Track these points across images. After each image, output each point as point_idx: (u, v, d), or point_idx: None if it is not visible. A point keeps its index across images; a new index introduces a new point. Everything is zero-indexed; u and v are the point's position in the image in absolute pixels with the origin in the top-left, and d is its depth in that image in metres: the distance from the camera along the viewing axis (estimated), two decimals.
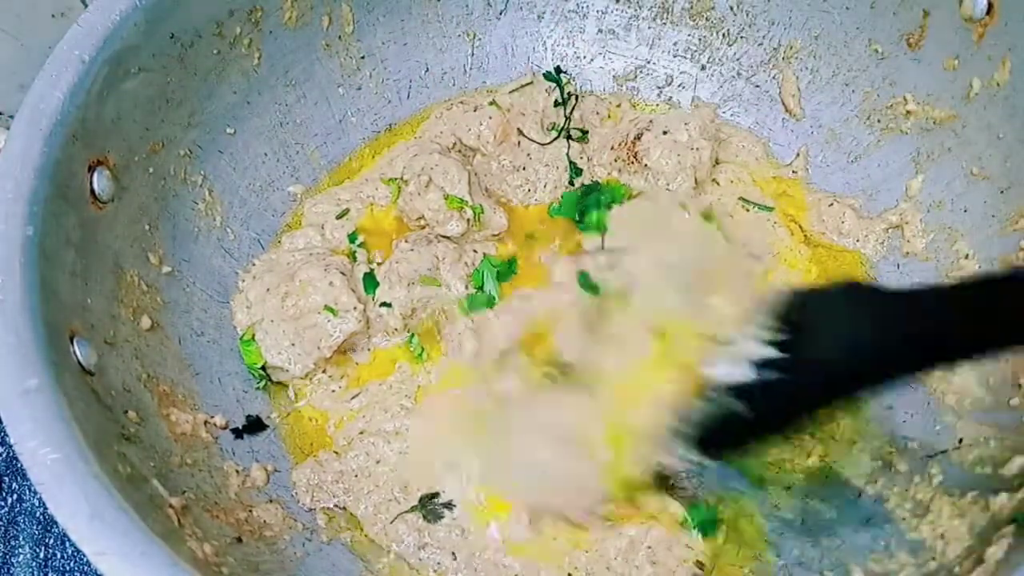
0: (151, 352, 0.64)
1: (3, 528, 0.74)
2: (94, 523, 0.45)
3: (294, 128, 0.81)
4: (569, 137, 0.84)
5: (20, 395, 0.48)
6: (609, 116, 0.88)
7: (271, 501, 0.66)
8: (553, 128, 0.85)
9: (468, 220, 0.77)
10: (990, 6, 0.68)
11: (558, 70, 0.88)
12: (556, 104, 0.85)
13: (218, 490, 0.62)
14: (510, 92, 0.86)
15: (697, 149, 0.80)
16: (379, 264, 0.76)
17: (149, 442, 0.58)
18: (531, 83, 0.86)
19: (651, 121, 0.83)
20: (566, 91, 0.86)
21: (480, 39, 0.89)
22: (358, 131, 0.86)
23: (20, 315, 0.51)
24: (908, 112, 0.78)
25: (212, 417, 0.67)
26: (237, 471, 0.65)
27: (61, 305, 0.55)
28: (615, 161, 0.83)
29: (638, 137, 0.82)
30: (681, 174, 0.80)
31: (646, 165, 0.81)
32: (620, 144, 0.83)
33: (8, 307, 0.51)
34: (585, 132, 0.86)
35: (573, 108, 0.85)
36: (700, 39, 0.88)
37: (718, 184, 0.84)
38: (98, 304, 0.59)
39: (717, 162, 0.84)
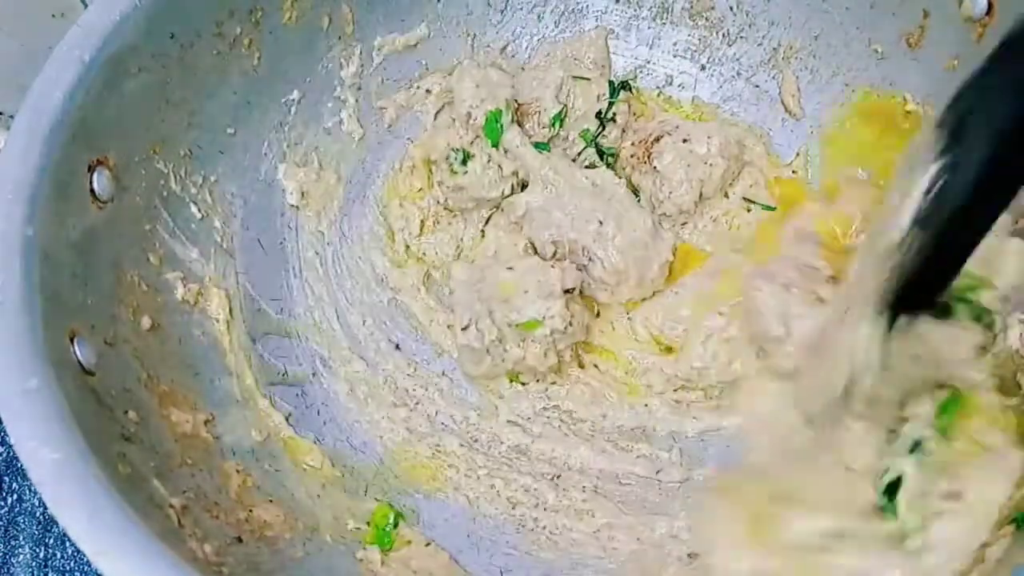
0: (151, 352, 0.64)
1: (3, 528, 0.74)
2: (94, 523, 0.45)
3: (294, 128, 0.81)
4: (600, 152, 0.85)
5: (20, 395, 0.48)
6: (641, 115, 0.88)
7: (271, 501, 0.66)
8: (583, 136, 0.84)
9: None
10: (990, 6, 0.68)
11: (625, 85, 0.86)
12: (597, 115, 0.84)
13: (218, 490, 0.62)
14: (573, 76, 0.84)
15: (711, 165, 0.80)
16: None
17: (149, 442, 0.58)
18: (588, 80, 0.85)
19: (677, 126, 0.82)
20: (613, 110, 0.84)
21: (480, 39, 0.89)
22: (358, 131, 0.86)
23: (20, 315, 0.51)
24: (908, 112, 0.78)
25: (212, 417, 0.67)
26: (237, 471, 0.65)
27: (61, 305, 0.55)
28: (631, 158, 0.83)
29: (657, 139, 0.82)
30: (686, 184, 0.80)
31: (655, 168, 0.81)
32: (640, 142, 0.83)
33: (8, 307, 0.51)
34: (614, 156, 0.85)
35: (600, 132, 0.85)
36: (700, 39, 0.88)
37: (727, 197, 0.83)
38: (98, 304, 0.59)
39: (733, 182, 0.84)
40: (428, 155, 0.83)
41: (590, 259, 0.77)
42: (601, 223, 0.77)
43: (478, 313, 0.73)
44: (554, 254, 0.79)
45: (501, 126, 0.79)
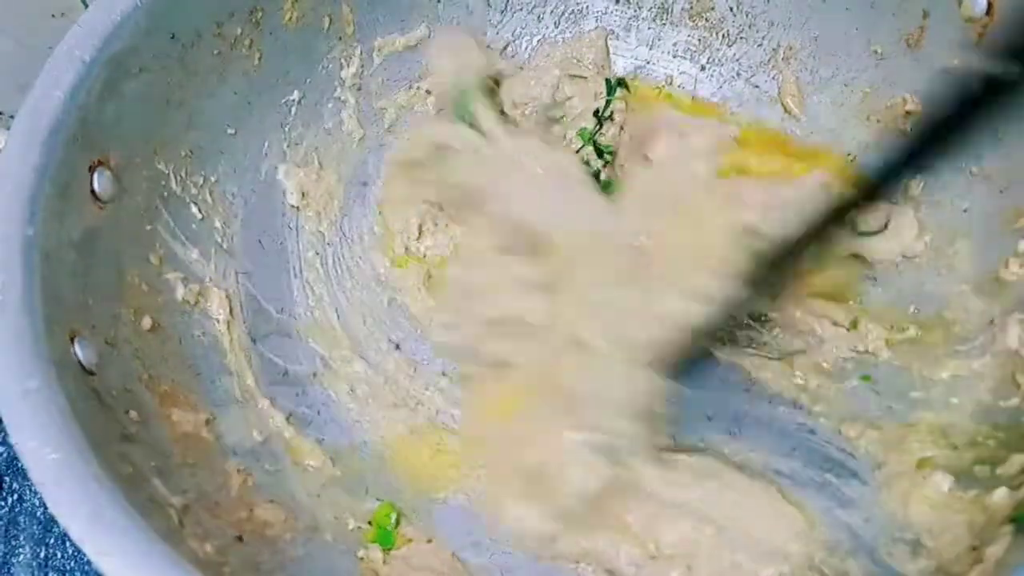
0: (152, 352, 0.64)
1: (3, 528, 0.74)
2: (95, 523, 0.45)
3: (295, 129, 0.81)
4: (599, 151, 0.84)
5: (21, 395, 0.48)
6: (642, 111, 0.88)
7: (272, 501, 0.66)
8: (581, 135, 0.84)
9: None
10: (990, 6, 0.68)
11: (622, 83, 0.86)
12: (595, 114, 0.84)
13: (219, 490, 0.62)
14: (570, 75, 0.84)
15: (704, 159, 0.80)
16: None
17: (150, 442, 0.58)
18: (585, 78, 0.85)
19: (675, 120, 0.83)
20: (611, 108, 0.84)
21: (479, 39, 0.89)
22: (358, 132, 0.86)
23: (21, 315, 0.51)
24: (908, 112, 0.78)
25: (213, 417, 0.67)
26: (238, 471, 0.65)
27: (62, 305, 0.55)
28: (623, 149, 0.83)
29: (653, 131, 0.82)
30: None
31: (647, 156, 0.81)
32: (635, 135, 0.83)
33: (9, 307, 0.51)
34: (612, 153, 0.85)
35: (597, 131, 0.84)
36: (700, 40, 0.88)
37: None
38: (99, 304, 0.59)
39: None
40: (410, 157, 0.82)
41: None
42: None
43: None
44: None
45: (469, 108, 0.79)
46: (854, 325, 0.75)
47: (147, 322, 0.64)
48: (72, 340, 0.54)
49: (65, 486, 0.46)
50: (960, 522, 0.60)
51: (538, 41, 0.90)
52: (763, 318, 0.74)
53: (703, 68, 0.89)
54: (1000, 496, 0.58)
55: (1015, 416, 0.63)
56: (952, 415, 0.68)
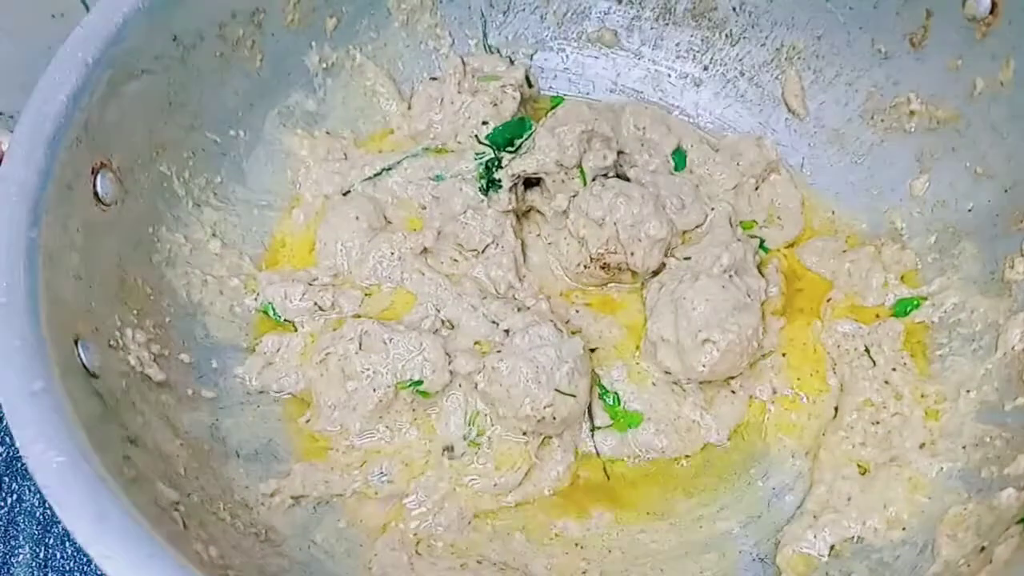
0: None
1: (3, 528, 0.74)
2: (100, 526, 0.45)
3: (297, 130, 0.81)
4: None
5: (25, 398, 0.48)
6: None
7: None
8: None
9: None
10: (993, 5, 0.68)
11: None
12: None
13: (223, 492, 0.62)
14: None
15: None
16: None
17: (154, 445, 0.58)
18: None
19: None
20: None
21: (482, 40, 0.89)
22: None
23: (25, 318, 0.50)
24: (912, 112, 0.78)
25: (217, 419, 0.66)
26: (243, 473, 0.65)
27: (65, 308, 0.55)
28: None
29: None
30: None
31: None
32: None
33: (13, 310, 0.50)
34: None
35: None
36: (703, 40, 0.88)
37: None
38: (102, 307, 0.59)
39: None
40: None
41: None
42: None
43: None
44: None
45: None
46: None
47: (150, 324, 0.64)
48: (76, 343, 0.54)
49: (70, 489, 0.46)
50: (969, 523, 0.60)
51: (540, 41, 0.90)
52: None
53: (706, 68, 0.89)
54: (1008, 496, 0.58)
55: (1022, 416, 0.63)
56: (958, 415, 0.68)
